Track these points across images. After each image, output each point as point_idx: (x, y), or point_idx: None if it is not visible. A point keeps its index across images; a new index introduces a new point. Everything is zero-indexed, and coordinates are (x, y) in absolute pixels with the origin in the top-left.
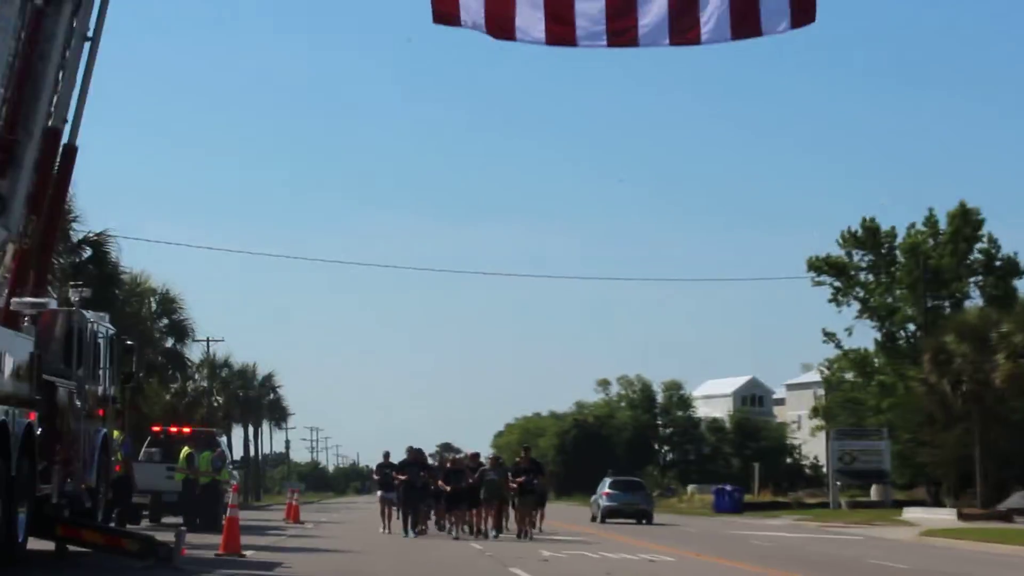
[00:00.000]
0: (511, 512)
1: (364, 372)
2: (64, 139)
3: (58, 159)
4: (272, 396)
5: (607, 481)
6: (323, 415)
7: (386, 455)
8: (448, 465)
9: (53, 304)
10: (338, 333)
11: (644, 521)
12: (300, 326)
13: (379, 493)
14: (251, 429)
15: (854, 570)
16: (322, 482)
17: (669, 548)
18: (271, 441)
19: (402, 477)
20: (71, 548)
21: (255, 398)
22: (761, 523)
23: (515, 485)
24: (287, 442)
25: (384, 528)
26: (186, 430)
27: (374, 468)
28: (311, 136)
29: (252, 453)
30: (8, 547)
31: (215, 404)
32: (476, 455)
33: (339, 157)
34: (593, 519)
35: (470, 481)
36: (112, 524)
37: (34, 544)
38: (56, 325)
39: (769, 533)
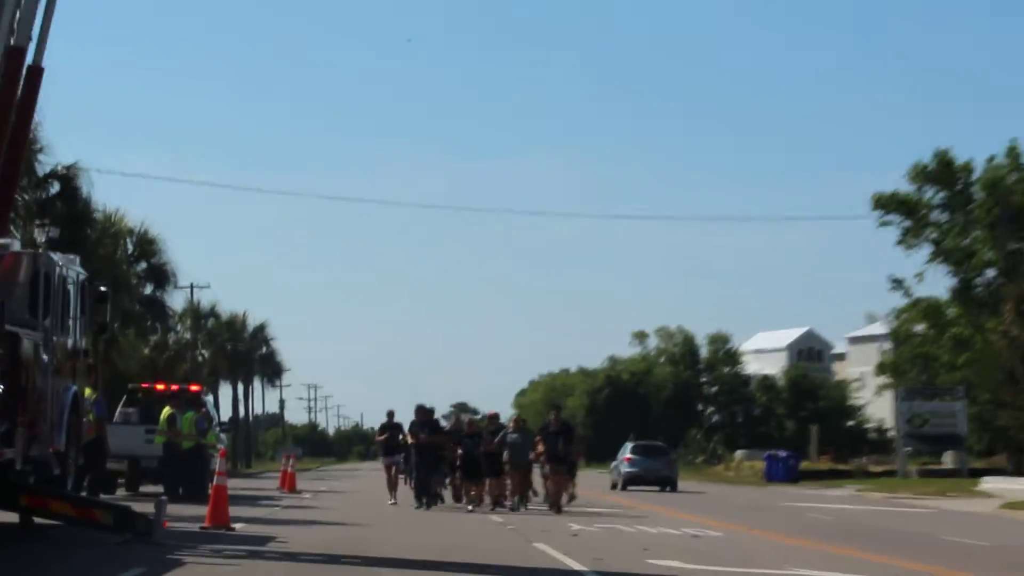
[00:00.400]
0: (539, 483)
1: (368, 324)
2: (28, 59)
3: (21, 81)
4: (265, 350)
5: (628, 446)
6: (322, 371)
7: (390, 414)
8: (465, 428)
9: (16, 245)
10: (339, 280)
11: (668, 488)
12: (296, 272)
13: (382, 458)
14: (241, 387)
15: (924, 547)
16: (321, 446)
17: (715, 521)
18: (263, 401)
19: (411, 440)
20: (37, 520)
21: (245, 352)
22: (819, 494)
23: (542, 451)
24: (281, 402)
25: (392, 499)
26: (166, 387)
27: (377, 429)
28: (307, 61)
29: (242, 414)
30: None
31: (200, 358)
32: (495, 416)
33: (338, 84)
34: (613, 486)
35: (490, 446)
36: (84, 493)
37: None
38: (19, 269)
39: (828, 505)
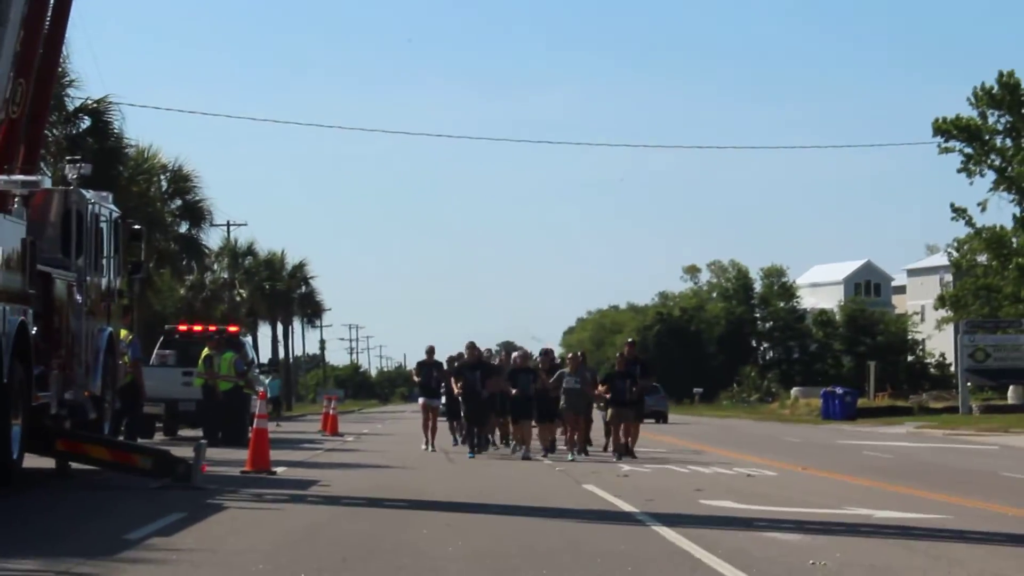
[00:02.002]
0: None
1: (410, 262)
2: None
3: (49, 12)
4: (304, 289)
5: None
6: (363, 311)
7: (429, 350)
8: (516, 362)
9: (47, 183)
10: (380, 216)
11: (661, 421)
12: (336, 208)
13: (421, 400)
14: (280, 328)
15: (985, 485)
16: (364, 388)
17: (769, 460)
18: (304, 341)
19: (456, 388)
20: (74, 465)
21: (284, 291)
22: (877, 431)
23: (604, 390)
24: (322, 342)
25: (427, 444)
26: (204, 328)
27: (414, 368)
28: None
29: (282, 355)
30: (1, 465)
31: (238, 298)
32: (549, 352)
33: (387, 14)
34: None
35: (547, 385)
36: (120, 438)
37: (31, 461)
38: (51, 207)
39: (886, 443)
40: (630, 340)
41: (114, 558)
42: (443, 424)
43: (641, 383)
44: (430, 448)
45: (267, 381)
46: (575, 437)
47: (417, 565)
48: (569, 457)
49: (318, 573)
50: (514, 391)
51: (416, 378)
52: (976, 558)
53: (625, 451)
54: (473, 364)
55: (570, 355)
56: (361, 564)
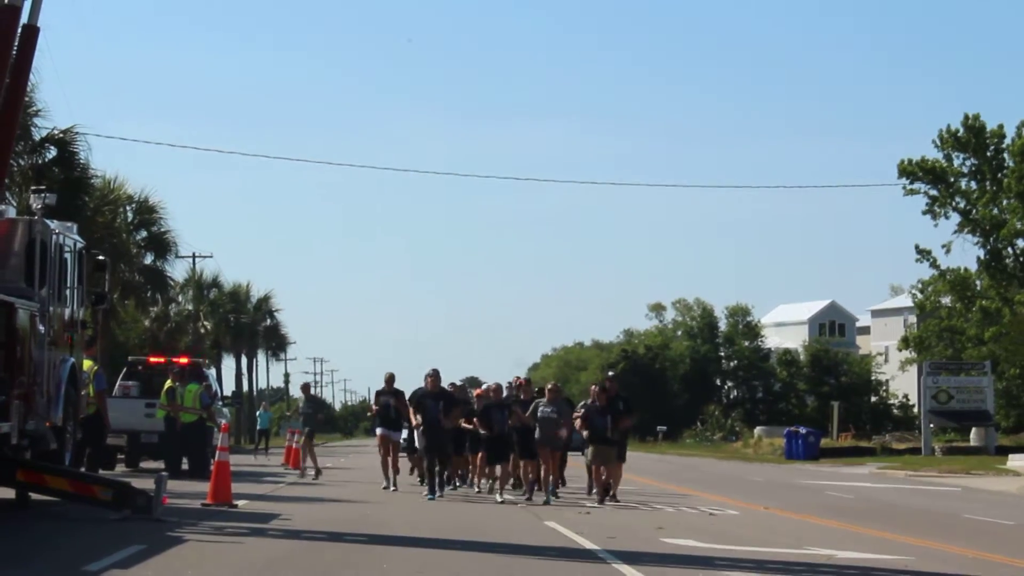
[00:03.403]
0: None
1: (375, 296)
2: (24, 18)
3: (16, 41)
4: (269, 322)
5: None
6: (328, 345)
7: (389, 379)
8: (491, 395)
9: (11, 212)
10: (344, 250)
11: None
12: (300, 242)
13: (379, 431)
14: (244, 360)
15: (947, 526)
16: (328, 422)
17: (731, 500)
18: (268, 374)
19: (414, 420)
20: (34, 496)
21: (249, 324)
22: (840, 471)
23: (582, 427)
24: (286, 375)
25: (389, 483)
26: (166, 360)
27: (373, 397)
28: (316, 24)
29: (246, 388)
30: None
31: (202, 331)
32: (527, 383)
33: (348, 46)
34: None
35: (524, 419)
36: (82, 469)
37: None
38: (15, 236)
39: (848, 483)
40: (611, 374)
41: None
42: (404, 462)
43: (623, 423)
44: (392, 487)
45: (258, 413)
46: (548, 476)
47: None
48: (542, 500)
49: None
50: (483, 432)
51: (375, 407)
52: None
53: (605, 494)
54: (435, 394)
55: (549, 385)
56: None
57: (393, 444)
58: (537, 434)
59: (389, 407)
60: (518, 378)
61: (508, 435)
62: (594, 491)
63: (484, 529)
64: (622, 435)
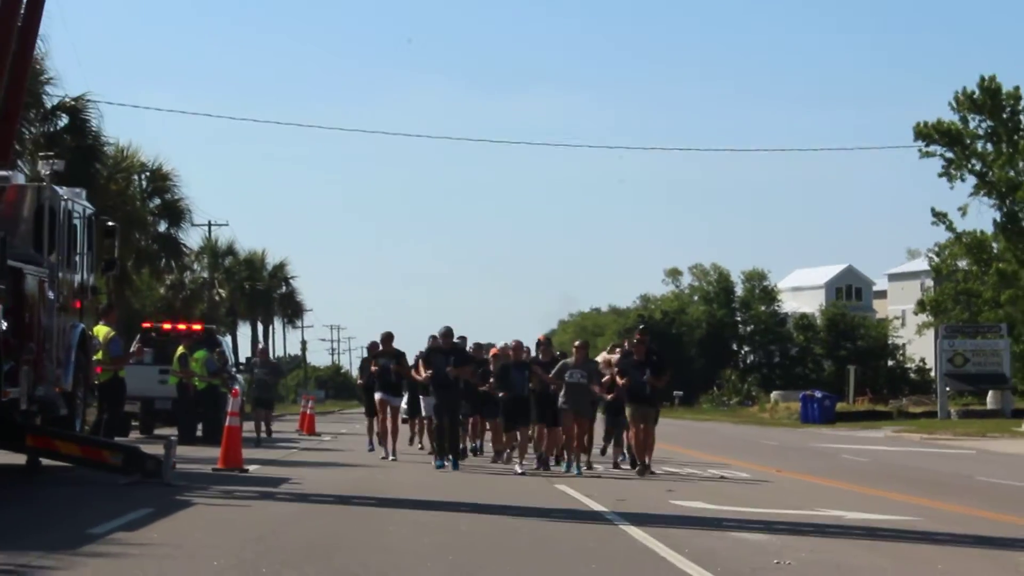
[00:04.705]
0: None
1: (392, 262)
2: None
3: (23, 6)
4: (284, 289)
5: None
6: (344, 312)
7: (387, 339)
8: (509, 355)
9: (20, 178)
10: (361, 216)
11: None
12: (317, 208)
13: (378, 395)
14: (260, 327)
15: (959, 488)
16: (344, 389)
17: (744, 462)
18: (284, 342)
19: (423, 374)
20: (44, 462)
21: (264, 291)
22: (855, 435)
23: (623, 383)
24: (303, 343)
25: (386, 451)
26: (182, 327)
27: (366, 357)
28: None
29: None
30: None
31: (217, 298)
32: (547, 343)
33: (359, 16)
34: None
35: (546, 379)
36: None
37: (0, 457)
38: (23, 202)
39: (863, 447)
40: (642, 327)
41: (76, 552)
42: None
43: (661, 380)
44: (391, 456)
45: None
46: (575, 445)
47: (381, 561)
48: (572, 470)
49: (281, 568)
50: (500, 394)
51: (373, 369)
52: (942, 558)
53: (645, 466)
54: (446, 350)
55: (576, 344)
56: (325, 560)
57: (392, 409)
58: (563, 400)
59: (389, 370)
60: (542, 336)
61: (528, 398)
62: (608, 451)
63: (494, 492)
64: (654, 392)
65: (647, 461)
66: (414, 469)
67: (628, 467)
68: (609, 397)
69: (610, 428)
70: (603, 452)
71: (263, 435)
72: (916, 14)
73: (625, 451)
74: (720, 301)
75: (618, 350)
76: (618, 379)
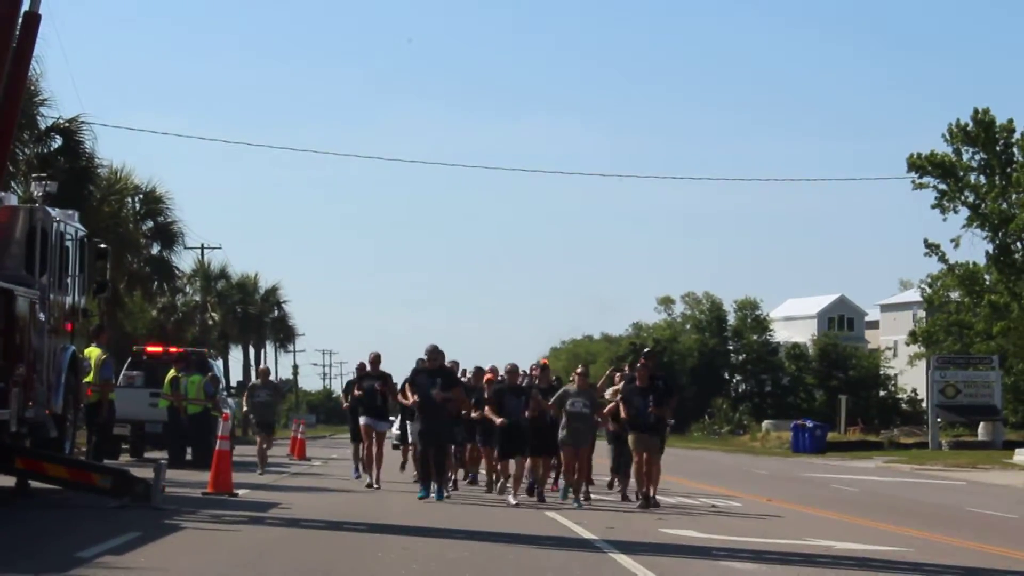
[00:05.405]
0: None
1: (384, 287)
2: (25, 5)
3: (17, 29)
4: (277, 313)
5: None
6: (336, 336)
7: (374, 360)
8: (503, 378)
9: (12, 200)
10: (354, 241)
11: None
12: (309, 233)
13: (363, 420)
14: (252, 351)
15: (950, 519)
16: (335, 414)
17: (735, 492)
18: (276, 366)
19: (409, 399)
20: (34, 484)
21: (256, 315)
22: (846, 465)
23: (617, 417)
24: (295, 367)
25: (372, 480)
26: (174, 350)
27: (353, 380)
28: (323, 17)
29: (253, 379)
30: None
31: (210, 321)
32: (544, 369)
33: (352, 42)
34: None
35: (545, 407)
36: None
37: None
38: (15, 224)
39: (854, 477)
40: (647, 351)
41: (64, 575)
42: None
43: (662, 408)
44: (375, 484)
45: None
46: (580, 472)
47: None
48: (572, 503)
49: None
50: (497, 420)
51: (357, 392)
52: None
53: (647, 499)
54: (432, 371)
55: (578, 370)
56: None
57: (378, 435)
58: (563, 430)
59: (375, 393)
60: (543, 359)
61: (524, 425)
62: (616, 486)
63: (484, 520)
64: (659, 420)
65: (651, 493)
66: (404, 495)
67: (635, 498)
68: (611, 428)
69: (616, 458)
70: (610, 486)
71: (267, 460)
72: (911, 44)
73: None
74: (712, 330)
75: (617, 375)
76: (622, 408)
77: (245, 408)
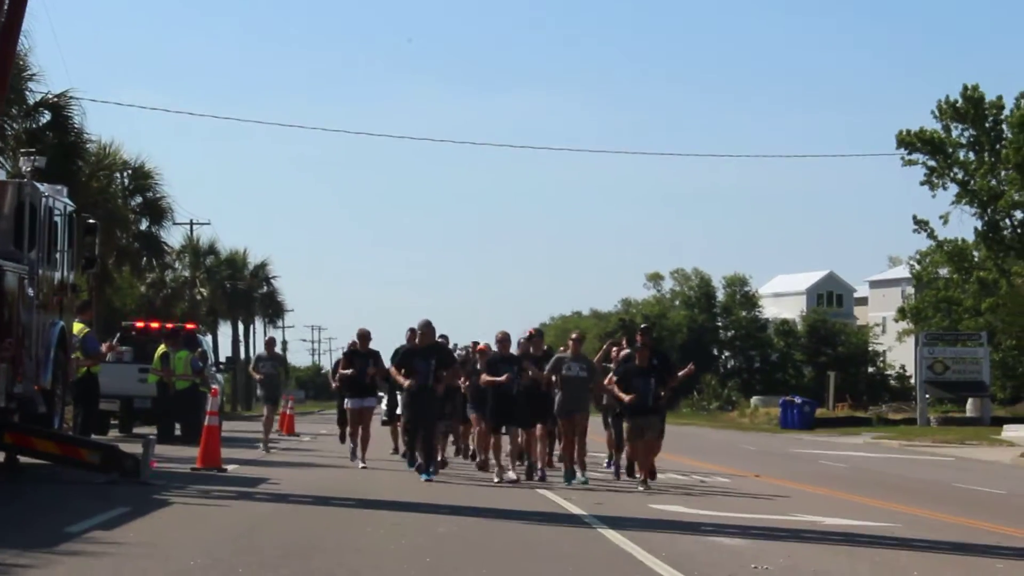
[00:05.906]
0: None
1: (373, 263)
2: None
3: (5, 3)
4: (266, 288)
5: None
6: (326, 312)
7: (364, 336)
8: (497, 348)
9: (1, 175)
10: (343, 217)
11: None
12: (299, 208)
13: (348, 402)
14: (241, 327)
15: (937, 495)
16: (324, 390)
17: (723, 467)
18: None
19: (399, 378)
20: (23, 459)
21: (245, 291)
22: (834, 441)
23: (619, 396)
24: (284, 343)
25: (359, 458)
26: (160, 325)
27: (340, 359)
28: None
29: (243, 355)
30: None
31: (199, 297)
32: (538, 336)
33: (346, 16)
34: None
35: (538, 376)
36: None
37: None
38: (4, 199)
39: (843, 453)
40: (644, 326)
41: (53, 551)
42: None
43: (670, 384)
44: (361, 463)
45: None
46: (573, 447)
47: (357, 562)
48: (579, 479)
49: (258, 568)
50: (496, 382)
51: (346, 371)
52: (919, 565)
53: (644, 473)
54: (426, 350)
55: (573, 335)
56: (301, 560)
57: (364, 411)
58: (559, 399)
59: (364, 371)
60: (533, 329)
61: (517, 396)
62: (612, 465)
63: (472, 496)
64: (664, 402)
65: (645, 476)
66: (393, 471)
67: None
68: (627, 399)
69: (618, 436)
70: (608, 464)
71: (272, 436)
72: (900, 20)
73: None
74: (701, 306)
75: (615, 349)
76: (617, 391)
77: (258, 377)
